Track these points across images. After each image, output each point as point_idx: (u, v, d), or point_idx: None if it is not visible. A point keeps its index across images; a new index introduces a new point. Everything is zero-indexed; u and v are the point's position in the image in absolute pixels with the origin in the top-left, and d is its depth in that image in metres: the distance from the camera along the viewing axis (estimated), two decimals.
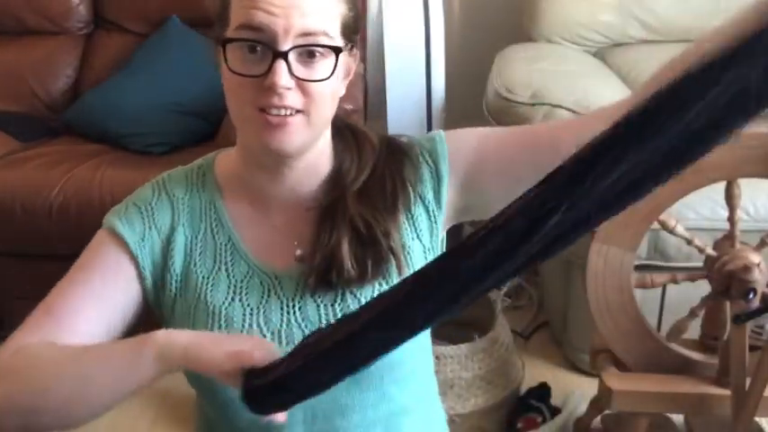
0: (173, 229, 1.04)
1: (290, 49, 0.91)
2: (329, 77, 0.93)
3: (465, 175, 1.06)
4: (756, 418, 1.67)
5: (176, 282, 1.03)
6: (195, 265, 1.03)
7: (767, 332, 1.87)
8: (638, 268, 1.70)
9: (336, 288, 1.00)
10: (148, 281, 1.03)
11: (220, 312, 1.01)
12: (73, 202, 2.21)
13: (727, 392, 1.56)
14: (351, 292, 1.01)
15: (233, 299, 1.02)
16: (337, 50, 0.93)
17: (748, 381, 1.53)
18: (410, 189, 1.04)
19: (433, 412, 1.17)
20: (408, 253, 1.03)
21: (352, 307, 1.00)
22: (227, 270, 1.02)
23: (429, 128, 2.50)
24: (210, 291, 1.02)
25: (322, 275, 1.00)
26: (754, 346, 1.56)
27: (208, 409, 1.10)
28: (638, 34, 2.57)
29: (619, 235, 1.51)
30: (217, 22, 1.01)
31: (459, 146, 1.08)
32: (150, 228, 1.03)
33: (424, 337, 1.12)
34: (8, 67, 2.75)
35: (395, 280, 1.01)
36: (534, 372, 2.20)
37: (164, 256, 1.03)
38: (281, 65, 0.91)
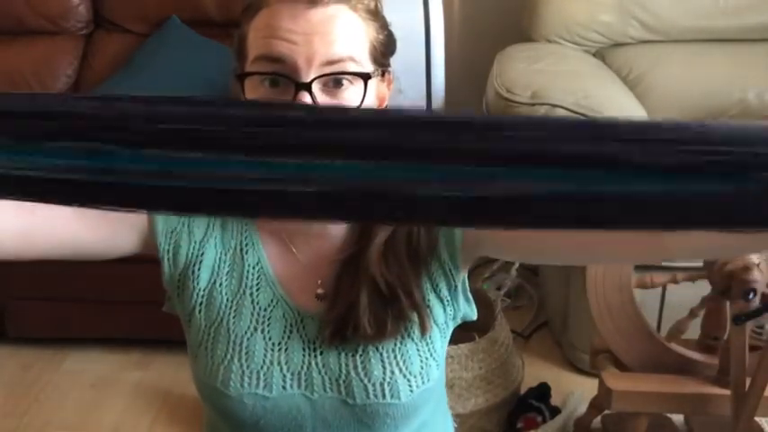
0: (205, 240, 1.00)
1: (314, 80, 0.84)
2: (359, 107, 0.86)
3: (477, 240, 1.00)
4: (756, 418, 1.67)
5: (199, 296, 1.00)
6: (221, 284, 1.00)
7: (767, 332, 1.87)
8: (638, 268, 1.70)
9: (355, 341, 0.97)
10: (166, 262, 0.99)
11: (242, 343, 0.98)
12: None
13: (727, 392, 1.57)
14: (372, 345, 0.98)
15: (255, 329, 0.99)
16: (365, 77, 0.87)
17: (748, 381, 1.53)
18: (431, 247, 0.99)
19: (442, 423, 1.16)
20: (430, 309, 1.00)
21: (373, 360, 0.98)
22: (251, 295, 0.99)
23: None
24: (234, 317, 0.99)
25: (338, 329, 0.97)
26: (754, 346, 1.56)
27: (212, 415, 1.09)
28: (638, 34, 2.57)
29: None
30: (236, 57, 0.94)
31: None
32: (183, 230, 1.00)
33: (441, 388, 1.11)
34: (8, 67, 2.75)
35: (416, 336, 0.99)
36: (534, 372, 2.20)
37: (190, 264, 1.00)
38: (304, 97, 0.84)
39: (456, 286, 1.02)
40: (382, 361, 0.98)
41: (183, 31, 2.69)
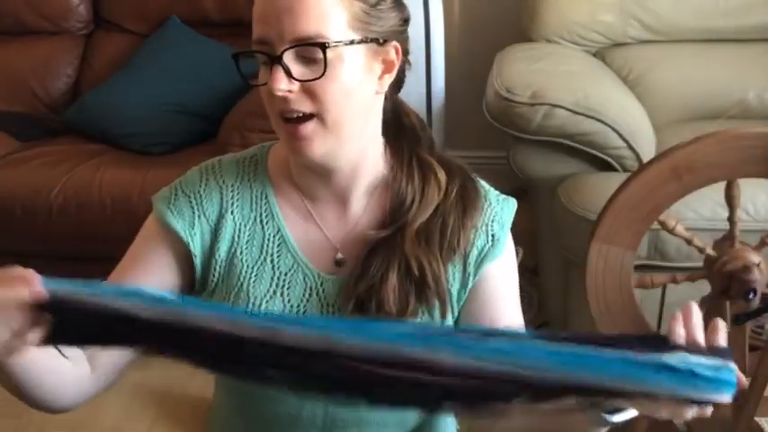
0: (221, 216, 1.03)
1: (283, 52, 0.91)
2: (323, 75, 0.91)
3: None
4: (756, 418, 1.67)
5: (220, 267, 1.03)
6: (241, 252, 1.03)
7: (767, 332, 1.87)
8: (638, 268, 1.70)
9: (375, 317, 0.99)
10: (198, 266, 1.04)
11: (260, 305, 1.01)
12: (73, 202, 2.21)
13: None
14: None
15: (275, 292, 1.02)
16: (322, 45, 0.91)
17: (748, 381, 1.53)
18: (462, 243, 1.02)
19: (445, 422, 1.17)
20: (450, 299, 1.03)
21: None
22: (272, 261, 1.03)
23: (429, 128, 2.50)
24: (254, 281, 1.02)
25: (361, 303, 0.99)
26: (754, 346, 1.56)
27: (229, 401, 1.11)
28: (638, 34, 2.57)
29: (619, 235, 1.51)
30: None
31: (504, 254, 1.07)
32: (199, 216, 1.03)
33: None
34: (8, 67, 2.75)
35: (436, 320, 1.01)
36: None
37: (211, 242, 1.03)
38: (277, 69, 0.92)
39: (465, 292, 1.04)
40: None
41: (183, 31, 2.69)
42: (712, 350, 0.79)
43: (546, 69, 2.30)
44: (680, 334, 0.79)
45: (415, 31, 2.50)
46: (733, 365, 0.78)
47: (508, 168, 2.28)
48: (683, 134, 1.62)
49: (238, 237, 1.03)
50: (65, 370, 0.96)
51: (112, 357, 0.99)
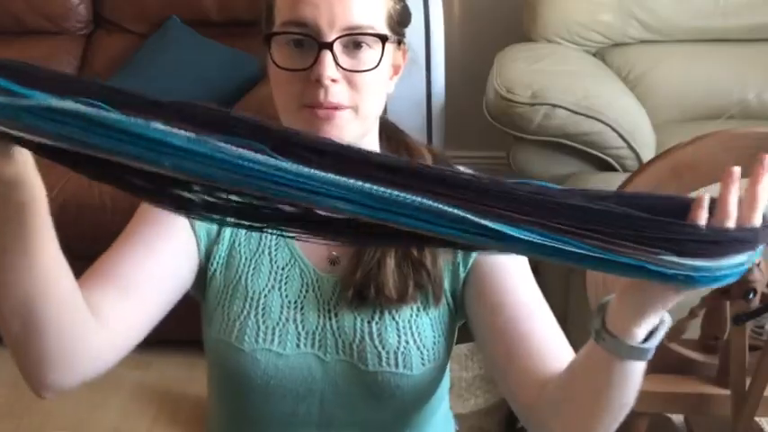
0: None
1: (336, 40, 0.90)
2: (376, 66, 0.92)
3: (477, 275, 1.02)
4: (756, 418, 1.67)
5: (221, 257, 1.02)
6: (240, 244, 1.02)
7: (767, 332, 1.87)
8: None
9: (374, 305, 1.00)
10: (202, 251, 1.02)
11: (259, 300, 1.01)
12: (73, 202, 2.21)
13: (727, 392, 1.56)
14: (389, 312, 1.00)
15: (273, 287, 1.01)
16: (383, 38, 0.92)
17: (748, 381, 1.53)
18: None
19: (444, 424, 1.18)
20: (444, 285, 1.02)
21: (389, 328, 1.00)
22: (269, 254, 1.02)
23: (429, 128, 2.50)
24: (252, 274, 1.02)
25: (360, 290, 0.99)
26: (754, 346, 1.56)
27: (223, 406, 1.10)
28: (638, 34, 2.57)
29: None
30: (263, 23, 0.99)
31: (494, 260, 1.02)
32: None
33: (444, 390, 1.13)
34: None
35: (431, 311, 1.01)
36: None
37: (216, 231, 1.02)
38: (326, 56, 0.89)
39: (458, 286, 1.03)
40: (398, 329, 1.00)
41: (183, 31, 2.69)
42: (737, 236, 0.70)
43: (546, 69, 2.30)
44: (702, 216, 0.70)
45: (415, 30, 2.51)
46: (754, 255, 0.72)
47: (508, 168, 2.28)
48: (683, 134, 1.62)
49: (237, 229, 1.01)
50: (71, 307, 0.83)
51: (123, 312, 0.90)
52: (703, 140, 1.45)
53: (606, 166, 2.12)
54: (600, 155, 2.10)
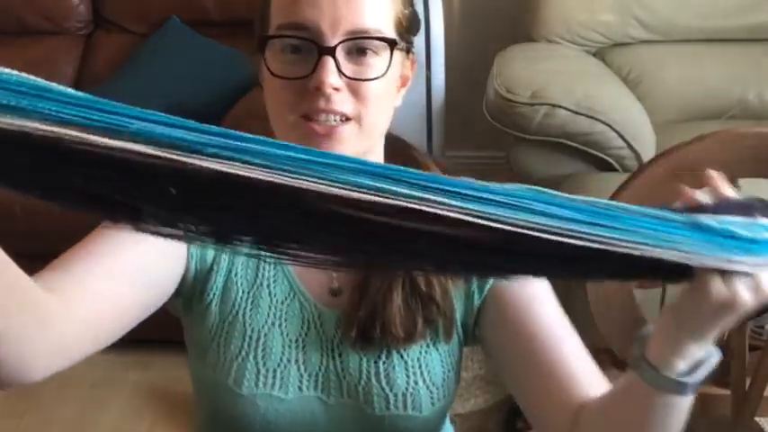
0: None
1: (338, 44, 0.81)
2: (384, 74, 0.84)
3: (495, 299, 0.94)
4: (756, 418, 1.67)
5: (217, 288, 0.93)
6: (237, 275, 0.93)
7: (767, 332, 1.87)
8: None
9: (380, 344, 0.92)
10: (192, 270, 0.92)
11: (258, 339, 0.92)
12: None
13: (727, 392, 1.56)
14: (396, 351, 0.92)
15: (273, 324, 0.93)
16: (392, 43, 0.84)
17: (748, 381, 1.53)
18: None
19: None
20: (455, 321, 0.94)
21: (397, 368, 0.92)
22: (268, 287, 0.94)
23: (429, 128, 2.50)
24: (250, 309, 0.93)
25: (364, 329, 0.91)
26: (754, 346, 1.56)
27: (210, 425, 1.01)
28: (638, 34, 2.57)
29: None
30: (257, 24, 0.91)
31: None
32: None
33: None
34: (8, 67, 2.74)
35: (440, 345, 0.93)
36: None
37: (215, 259, 0.93)
38: (328, 62, 0.81)
39: (472, 314, 0.95)
40: (406, 369, 0.93)
41: (183, 31, 2.69)
42: (742, 205, 0.65)
43: (546, 69, 2.30)
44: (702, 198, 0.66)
45: None
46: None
47: (508, 168, 2.28)
48: (683, 134, 1.62)
49: (234, 257, 0.94)
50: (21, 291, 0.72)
51: (86, 290, 0.79)
52: (703, 140, 1.45)
53: (606, 167, 2.12)
54: (600, 155, 2.10)
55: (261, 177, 0.56)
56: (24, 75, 0.59)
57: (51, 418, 2.19)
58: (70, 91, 0.57)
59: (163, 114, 0.57)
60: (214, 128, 0.58)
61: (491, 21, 2.91)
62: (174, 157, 0.56)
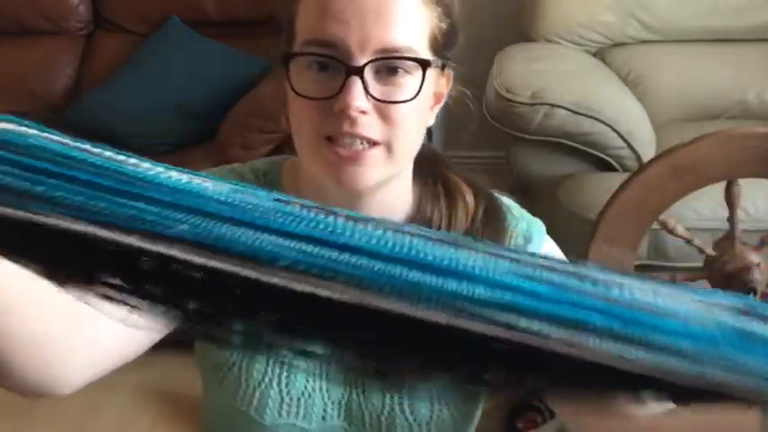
0: None
1: (367, 64, 0.76)
2: (415, 97, 0.78)
3: None
4: None
5: None
6: None
7: None
8: (638, 268, 1.70)
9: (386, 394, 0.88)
10: None
11: (252, 396, 0.88)
12: None
13: None
14: (399, 405, 0.89)
15: (270, 381, 0.88)
16: (424, 64, 0.78)
17: None
18: None
19: None
20: None
21: (421, 396, 0.89)
22: None
23: (429, 128, 2.50)
24: (247, 361, 0.88)
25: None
26: None
27: (226, 409, 0.98)
28: (637, 34, 2.57)
29: (619, 235, 1.51)
30: (284, 37, 0.84)
31: None
32: None
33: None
34: (8, 67, 2.75)
35: None
36: None
37: None
38: (355, 83, 0.75)
39: None
40: (430, 397, 0.90)
41: (183, 31, 2.69)
42: None
43: (546, 69, 2.30)
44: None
45: None
46: None
47: (508, 168, 2.28)
48: (683, 134, 1.62)
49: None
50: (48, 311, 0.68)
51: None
52: (703, 140, 1.45)
53: (606, 166, 2.12)
54: (600, 155, 2.10)
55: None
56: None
57: (51, 418, 2.19)
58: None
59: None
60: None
61: (491, 21, 2.91)
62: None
